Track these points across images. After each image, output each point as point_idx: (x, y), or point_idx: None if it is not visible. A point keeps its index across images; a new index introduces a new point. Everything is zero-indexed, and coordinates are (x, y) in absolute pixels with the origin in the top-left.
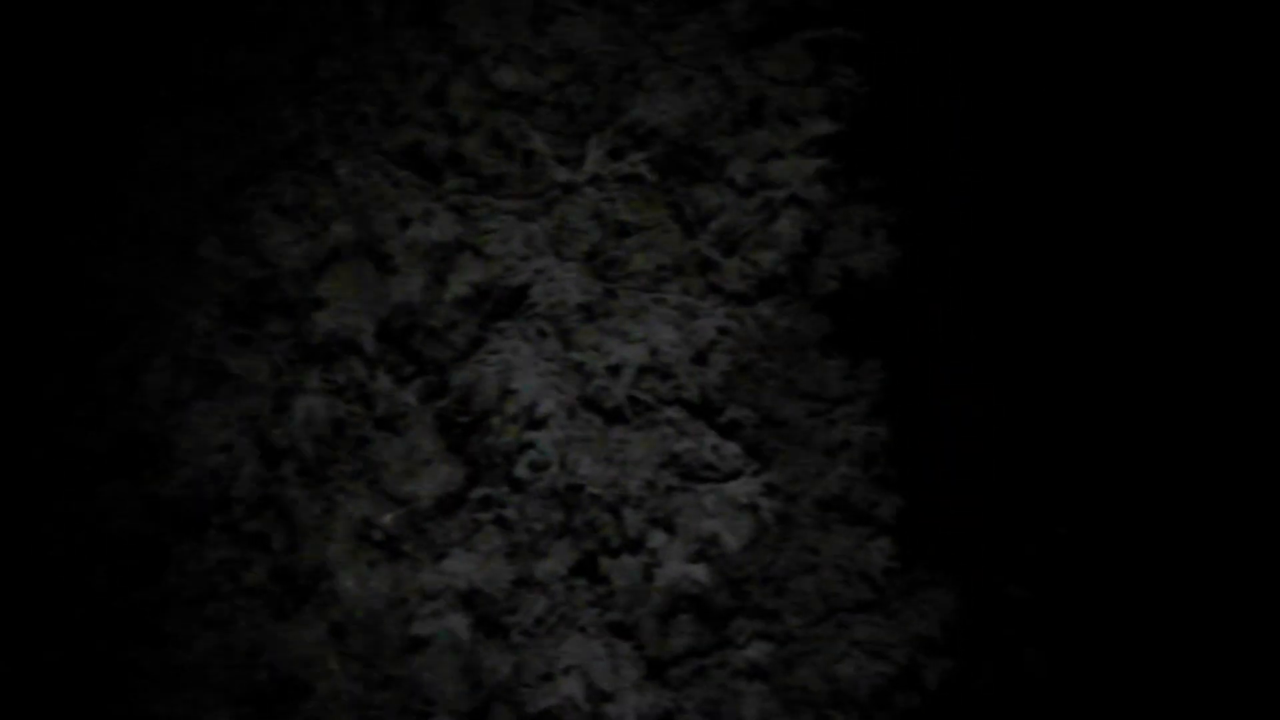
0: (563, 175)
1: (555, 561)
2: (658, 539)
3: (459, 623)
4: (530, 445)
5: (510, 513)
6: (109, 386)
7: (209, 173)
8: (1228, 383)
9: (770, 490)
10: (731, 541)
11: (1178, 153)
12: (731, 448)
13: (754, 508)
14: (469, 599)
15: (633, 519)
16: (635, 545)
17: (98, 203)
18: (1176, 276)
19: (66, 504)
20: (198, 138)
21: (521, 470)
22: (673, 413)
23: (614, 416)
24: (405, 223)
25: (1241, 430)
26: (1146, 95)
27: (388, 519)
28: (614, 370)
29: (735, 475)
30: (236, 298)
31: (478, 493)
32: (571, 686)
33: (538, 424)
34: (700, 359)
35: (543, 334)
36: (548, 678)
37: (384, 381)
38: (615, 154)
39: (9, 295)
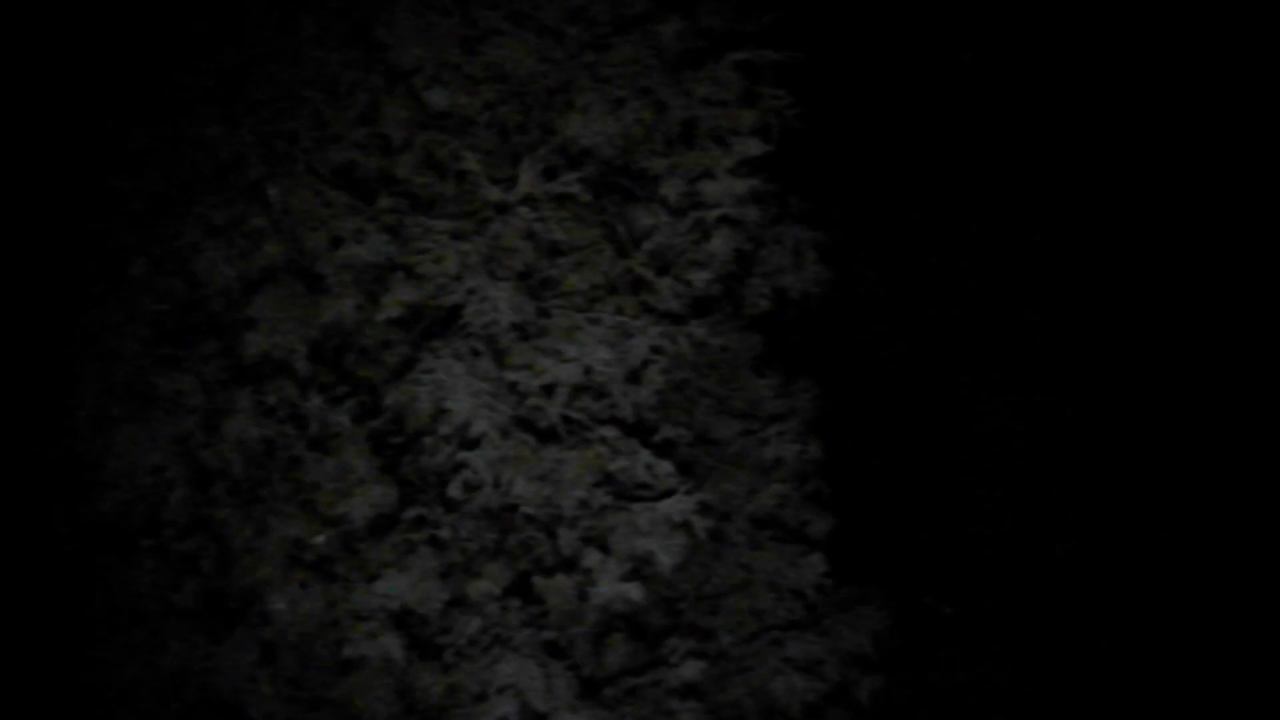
0: (496, 195)
1: (489, 581)
2: (592, 558)
3: (392, 644)
4: (463, 465)
5: (444, 533)
6: (36, 410)
7: (138, 192)
8: (1157, 386)
9: (704, 509)
10: (665, 560)
11: (1115, 161)
12: (665, 466)
13: (688, 526)
14: (402, 620)
15: (567, 538)
16: (569, 565)
17: (26, 221)
18: (1110, 285)
19: None
20: (127, 157)
21: (455, 490)
22: (606, 432)
23: (548, 436)
24: (337, 242)
25: (1163, 438)
26: (1075, 111)
27: (320, 540)
28: (548, 390)
29: (669, 494)
30: (166, 318)
31: (411, 513)
32: (506, 707)
33: (471, 444)
34: (634, 378)
35: (476, 353)
36: (482, 698)
37: (316, 402)
38: (548, 174)
39: None
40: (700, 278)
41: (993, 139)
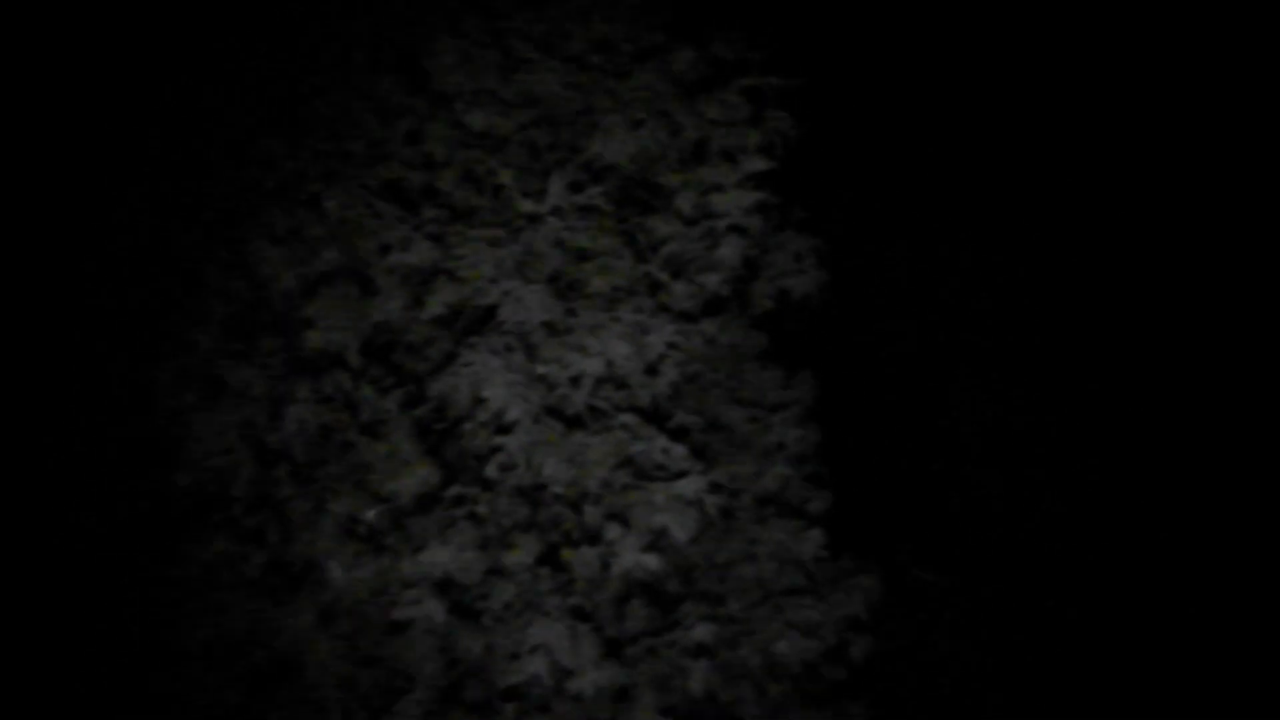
0: (528, 207)
1: (522, 553)
2: (614, 532)
3: (435, 608)
4: (499, 449)
5: (481, 509)
6: (122, 398)
7: (209, 205)
8: (1142, 381)
9: (714, 488)
10: (680, 534)
11: (1110, 165)
12: (679, 450)
13: (699, 504)
14: (444, 587)
15: (591, 514)
16: (594, 537)
17: (113, 232)
18: (1098, 284)
19: (84, 501)
20: (199, 173)
21: (491, 471)
22: (627, 419)
23: (574, 422)
24: (386, 249)
25: (1148, 430)
26: (1067, 119)
27: (371, 515)
28: (574, 381)
29: (683, 475)
30: (234, 318)
31: (452, 491)
32: (537, 664)
33: (506, 429)
34: (651, 371)
35: (510, 349)
36: (515, 657)
37: (367, 392)
38: (574, 188)
39: (36, 319)
40: (711, 280)
41: (977, 159)
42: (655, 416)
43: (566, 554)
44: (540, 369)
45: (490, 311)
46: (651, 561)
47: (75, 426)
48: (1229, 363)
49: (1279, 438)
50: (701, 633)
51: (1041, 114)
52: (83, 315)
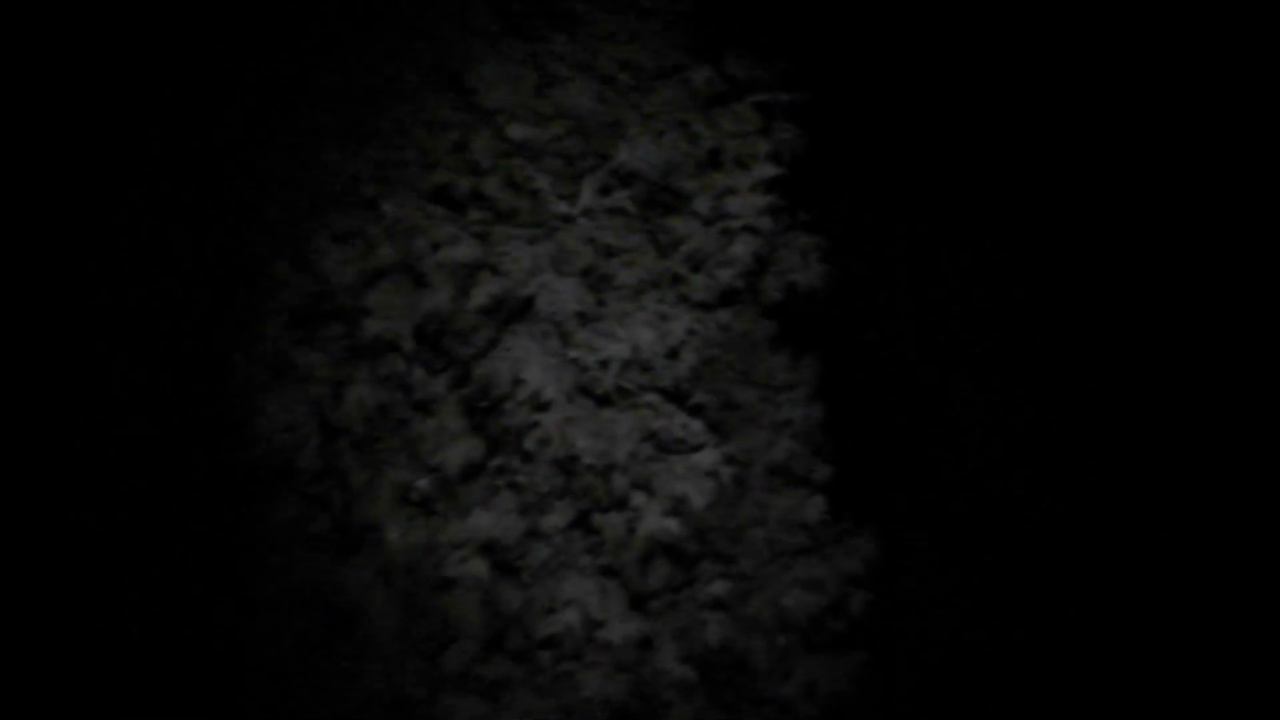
0: (562, 209)
1: (557, 517)
2: (639, 498)
3: (480, 566)
4: (536, 424)
5: (521, 478)
6: (199, 379)
7: (277, 208)
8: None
9: (728, 459)
10: (697, 500)
11: (1103, 170)
12: (697, 425)
13: (715, 473)
14: (488, 548)
15: (619, 483)
16: (621, 504)
17: (189, 234)
18: (1088, 282)
19: (172, 470)
20: (268, 180)
21: (529, 444)
22: (650, 398)
23: (603, 401)
24: (436, 247)
25: (1134, 418)
26: (1060, 125)
27: (423, 483)
28: (603, 364)
29: (700, 448)
30: (300, 308)
31: (495, 462)
32: (571, 617)
33: (543, 407)
34: (672, 355)
35: (546, 335)
36: (551, 610)
37: (419, 374)
38: (604, 191)
39: (123, 310)
40: (726, 274)
41: (976, 162)
42: (676, 396)
43: (597, 519)
44: (573, 353)
45: (529, 302)
46: (672, 525)
47: (160, 405)
48: (1229, 362)
49: (1279, 437)
50: (717, 588)
51: (1041, 116)
52: (166, 306)
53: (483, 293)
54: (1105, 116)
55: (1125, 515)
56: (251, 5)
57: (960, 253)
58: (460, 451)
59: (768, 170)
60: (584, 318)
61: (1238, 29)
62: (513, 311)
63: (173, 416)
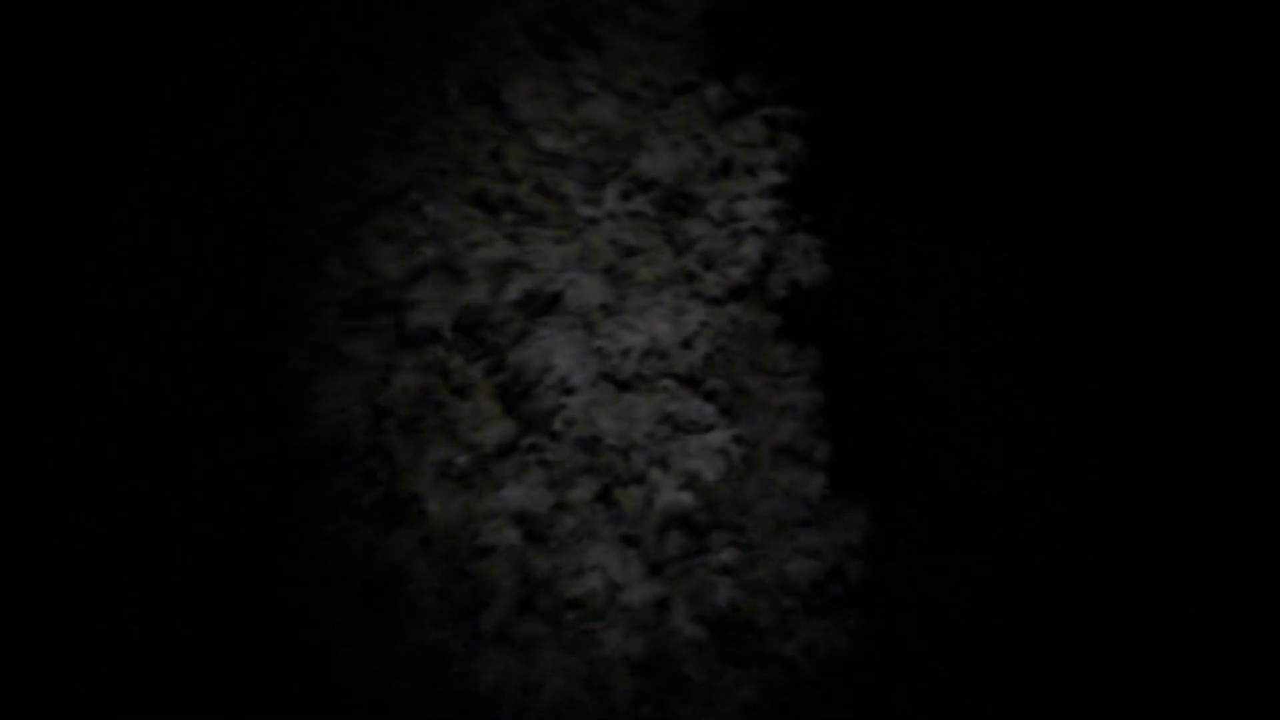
0: (587, 212)
1: (582, 491)
2: (656, 474)
3: (513, 535)
4: (563, 407)
5: (549, 456)
6: (262, 366)
7: (331, 210)
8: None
9: (737, 439)
10: (709, 476)
11: (1096, 175)
12: (709, 409)
13: (725, 452)
14: (520, 518)
15: (638, 460)
16: (640, 479)
17: (251, 234)
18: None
19: (229, 449)
20: (323, 185)
21: (557, 425)
22: (667, 383)
23: (624, 386)
24: (474, 246)
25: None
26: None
27: (461, 460)
28: (625, 352)
29: (712, 428)
30: (351, 301)
31: (526, 441)
32: (594, 580)
33: (569, 392)
34: (687, 344)
35: (573, 326)
36: (577, 574)
37: (458, 361)
38: (625, 197)
39: (190, 305)
40: (735, 272)
41: (974, 165)
42: (690, 382)
43: (618, 492)
44: (597, 343)
45: (557, 296)
46: (686, 498)
47: (227, 390)
48: (1229, 362)
49: (1279, 437)
50: (726, 556)
51: (1040, 117)
52: (229, 298)
53: (515, 288)
54: (1104, 117)
55: (1123, 514)
56: (319, 38)
57: (960, 252)
58: (495, 431)
59: (774, 178)
60: (607, 310)
61: (1238, 29)
62: (542, 305)
63: (239, 400)
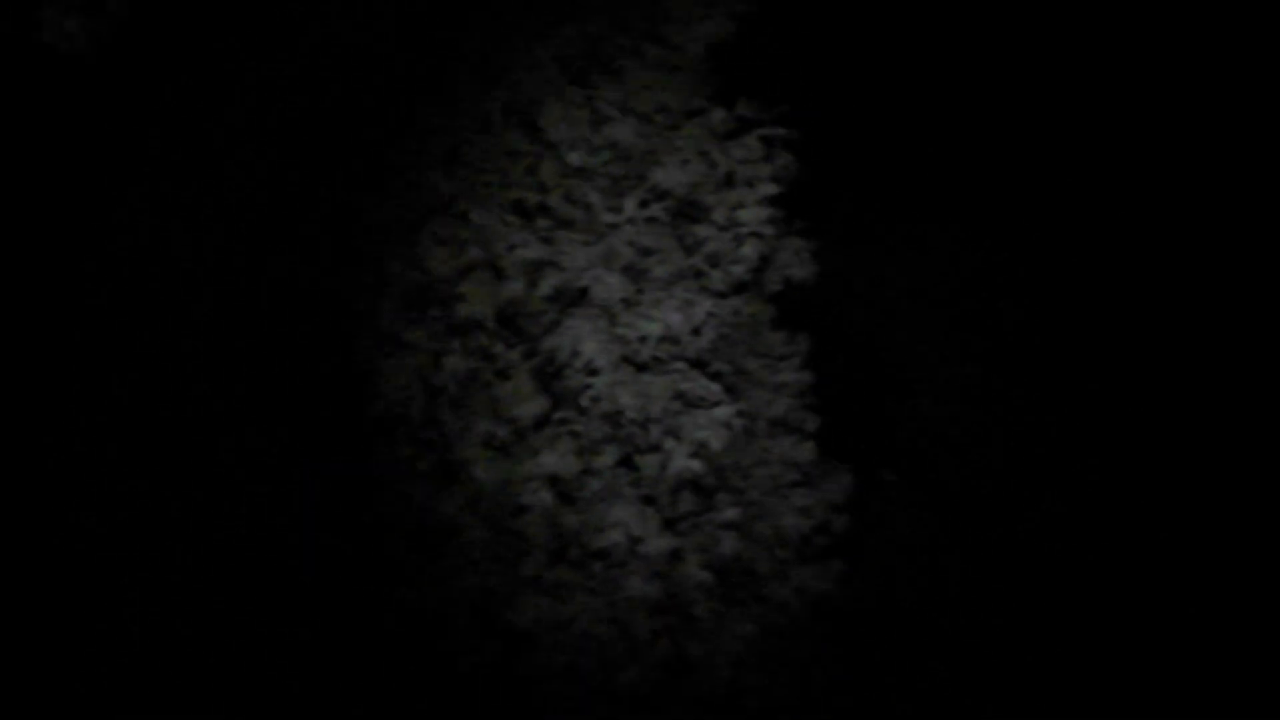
0: (610, 218)
1: (607, 458)
2: (670, 444)
3: (547, 496)
4: (589, 386)
5: (578, 428)
6: (334, 352)
7: (390, 218)
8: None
9: (740, 413)
10: (715, 445)
11: (1091, 178)
12: (715, 387)
13: (729, 424)
14: (553, 481)
15: (654, 431)
16: (655, 448)
17: (325, 236)
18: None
19: (313, 423)
20: (383, 195)
21: (584, 402)
22: (679, 366)
23: (642, 368)
24: (512, 248)
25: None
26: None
27: (502, 432)
28: (642, 339)
29: (718, 404)
30: (409, 295)
31: (558, 415)
32: (617, 534)
33: (594, 373)
34: (696, 332)
35: (598, 317)
36: (602, 529)
37: (499, 347)
38: (642, 205)
39: (273, 305)
40: (737, 270)
41: (968, 172)
42: (698, 364)
43: (637, 459)
44: (619, 331)
45: (584, 291)
46: (695, 464)
47: (306, 373)
48: (1229, 362)
49: (1279, 437)
50: (730, 514)
51: (1039, 118)
52: (311, 295)
53: (548, 284)
54: (1103, 117)
55: (1123, 514)
56: (391, 76)
57: (959, 252)
58: (531, 407)
59: (770, 189)
60: (627, 303)
61: (1238, 29)
62: (571, 298)
63: (320, 381)
